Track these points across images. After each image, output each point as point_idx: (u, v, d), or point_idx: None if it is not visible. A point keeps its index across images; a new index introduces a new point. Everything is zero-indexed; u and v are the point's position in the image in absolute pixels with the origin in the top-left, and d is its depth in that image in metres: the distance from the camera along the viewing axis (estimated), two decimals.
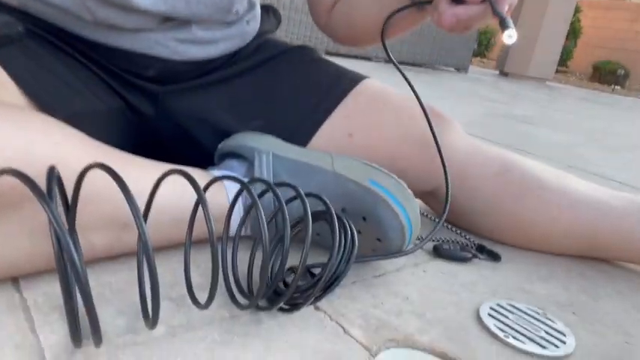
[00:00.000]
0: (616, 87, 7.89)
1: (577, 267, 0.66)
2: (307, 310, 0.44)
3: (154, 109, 0.61)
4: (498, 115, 2.31)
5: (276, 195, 0.40)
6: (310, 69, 0.67)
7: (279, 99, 0.64)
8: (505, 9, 0.46)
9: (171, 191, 0.45)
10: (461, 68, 5.47)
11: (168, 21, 0.56)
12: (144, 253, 0.31)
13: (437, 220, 0.73)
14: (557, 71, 7.64)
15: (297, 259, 0.38)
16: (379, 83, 0.68)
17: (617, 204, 0.66)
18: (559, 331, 0.48)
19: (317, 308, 0.45)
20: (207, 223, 0.34)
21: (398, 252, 0.52)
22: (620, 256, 0.68)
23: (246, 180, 0.45)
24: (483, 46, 9.99)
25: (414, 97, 0.59)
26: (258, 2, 0.67)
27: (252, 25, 0.66)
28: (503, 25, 0.46)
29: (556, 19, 5.70)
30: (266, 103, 0.63)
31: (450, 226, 0.71)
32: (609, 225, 0.65)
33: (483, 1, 0.46)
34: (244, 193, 0.53)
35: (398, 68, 0.57)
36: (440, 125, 0.63)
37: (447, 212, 0.58)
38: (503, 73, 6.08)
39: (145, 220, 0.34)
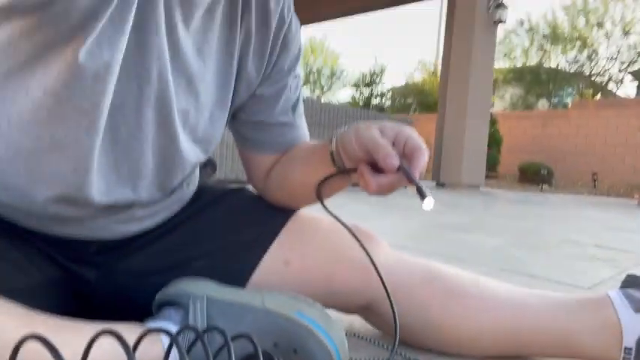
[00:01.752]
0: (544, 186, 8.58)
1: None
2: None
3: (95, 275, 0.62)
4: (435, 225, 2.46)
5: (204, 346, 0.43)
6: (247, 208, 0.71)
7: (219, 238, 0.67)
8: (417, 175, 0.51)
9: (108, 351, 0.47)
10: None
11: (113, 207, 0.56)
12: None
13: (384, 345, 0.75)
14: (488, 177, 8.28)
15: None
16: (311, 212, 0.73)
17: (533, 302, 0.71)
18: None
19: None
20: None
21: None
22: (544, 352, 0.73)
23: (178, 329, 0.49)
24: None
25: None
26: (198, 165, 0.68)
27: (191, 187, 0.68)
28: (421, 194, 0.50)
29: (475, 132, 6.30)
30: (206, 245, 0.66)
31: (383, 344, 0.74)
32: (528, 323, 0.69)
33: (398, 170, 0.51)
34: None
35: (327, 208, 0.62)
36: (367, 244, 0.67)
37: (397, 341, 0.61)
38: (440, 184, 6.52)
39: None
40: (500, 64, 15.49)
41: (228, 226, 0.68)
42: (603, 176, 9.27)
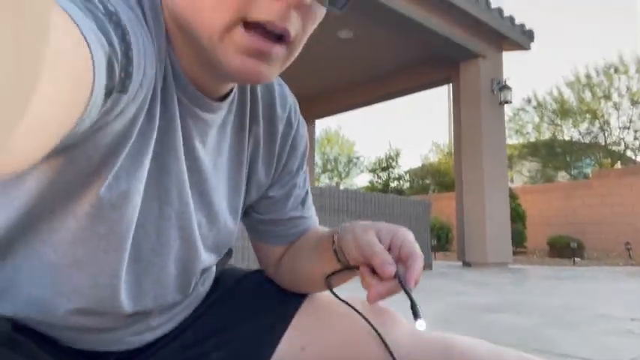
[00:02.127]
0: (576, 259, 8.30)
1: None
2: None
3: None
4: (463, 307, 2.40)
5: None
6: (261, 294, 0.72)
7: (237, 326, 0.68)
8: (412, 285, 0.53)
9: None
10: (425, 266, 5.58)
11: (130, 317, 0.56)
12: None
13: None
14: (516, 253, 8.08)
15: None
16: (325, 294, 0.72)
17: None
18: None
19: None
20: None
21: None
22: None
23: None
24: (443, 239, 10.59)
25: (360, 299, 0.64)
26: (215, 263, 0.69)
27: (207, 284, 0.68)
28: (415, 314, 0.51)
29: (495, 209, 6.21)
30: (223, 335, 0.67)
31: None
32: None
33: (396, 277, 0.52)
34: None
35: (338, 297, 0.65)
36: (384, 320, 0.66)
37: None
38: (466, 264, 6.37)
39: None
40: (513, 140, 15.73)
41: (243, 314, 0.69)
42: (637, 245, 8.94)
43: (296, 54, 0.48)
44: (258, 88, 0.63)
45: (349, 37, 6.06)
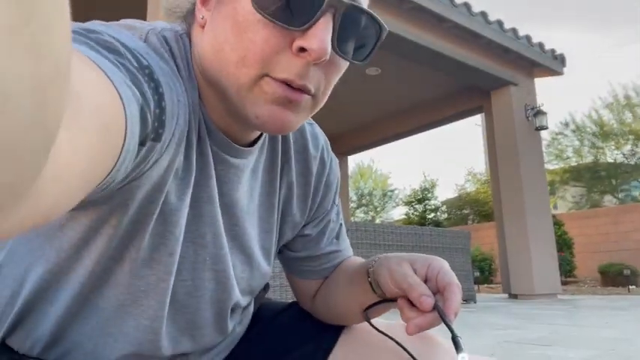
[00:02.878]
0: (631, 287, 7.85)
1: None
2: None
3: None
4: (510, 341, 2.32)
5: None
6: (300, 326, 0.71)
7: (274, 358, 0.68)
8: (452, 317, 0.51)
9: None
10: (469, 299, 5.22)
11: (174, 357, 0.56)
12: None
13: None
14: (566, 283, 7.70)
15: None
16: (363, 325, 0.69)
17: None
18: None
19: None
20: None
21: None
22: None
23: None
24: (486, 271, 10.24)
25: (400, 325, 0.61)
26: (252, 302, 0.69)
27: (244, 322, 0.68)
28: (456, 346, 0.50)
29: (539, 237, 5.96)
30: None
31: None
32: None
33: (434, 309, 0.51)
34: None
35: (377, 329, 0.63)
36: (425, 348, 0.64)
37: None
38: (513, 296, 6.13)
39: None
40: (554, 165, 15.24)
41: (281, 349, 0.69)
42: None
43: (321, 104, 0.49)
44: None
45: (377, 73, 6.17)
